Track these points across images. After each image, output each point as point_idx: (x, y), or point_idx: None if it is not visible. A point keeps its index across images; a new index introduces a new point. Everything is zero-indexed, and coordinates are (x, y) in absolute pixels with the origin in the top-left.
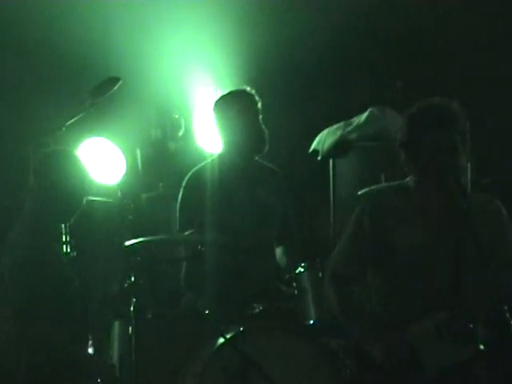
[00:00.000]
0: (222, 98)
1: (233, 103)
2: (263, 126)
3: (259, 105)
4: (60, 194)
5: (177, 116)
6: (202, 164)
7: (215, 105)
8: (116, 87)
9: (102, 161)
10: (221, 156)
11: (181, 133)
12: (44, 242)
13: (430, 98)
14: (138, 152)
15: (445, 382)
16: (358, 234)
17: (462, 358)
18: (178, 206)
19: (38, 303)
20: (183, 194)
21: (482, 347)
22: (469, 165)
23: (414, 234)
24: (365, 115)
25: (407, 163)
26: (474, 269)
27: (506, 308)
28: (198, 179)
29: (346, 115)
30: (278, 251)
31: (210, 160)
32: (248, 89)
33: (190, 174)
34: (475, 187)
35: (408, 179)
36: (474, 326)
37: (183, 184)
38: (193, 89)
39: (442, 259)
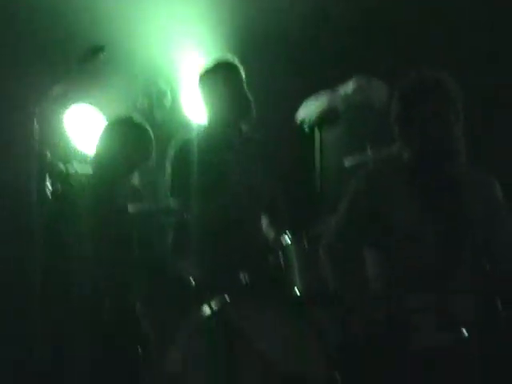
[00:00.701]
0: (206, 70)
1: (217, 74)
2: (249, 95)
3: (243, 74)
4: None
5: (163, 85)
6: (189, 137)
7: (200, 78)
8: (102, 55)
9: (86, 128)
10: (207, 129)
11: (167, 102)
12: None
13: (420, 70)
14: None
15: (426, 362)
16: (354, 212)
17: (445, 342)
18: (167, 177)
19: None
20: (173, 168)
21: (466, 333)
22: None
23: (408, 213)
24: (350, 84)
25: (401, 137)
26: (467, 249)
27: (497, 299)
28: (186, 152)
29: (331, 83)
30: (265, 222)
31: (196, 133)
32: (231, 58)
33: (176, 145)
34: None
35: (397, 148)
36: (463, 311)
37: (171, 155)
38: (180, 58)
39: (435, 238)
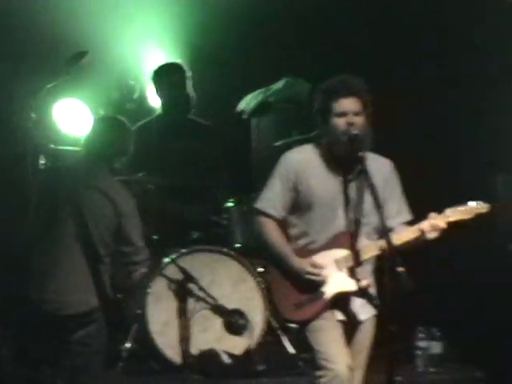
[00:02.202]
0: (156, 71)
1: (164, 76)
2: (191, 93)
3: (187, 75)
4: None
5: (132, 82)
6: (145, 121)
7: (152, 76)
8: (85, 59)
9: (73, 117)
10: (159, 115)
11: (136, 95)
12: None
13: (339, 75)
14: (101, 111)
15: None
16: (280, 185)
17: (354, 289)
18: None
19: None
20: (135, 146)
21: (367, 282)
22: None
23: (324, 187)
24: (281, 83)
25: (321, 126)
26: (370, 216)
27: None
28: (142, 133)
29: (264, 83)
30: (212, 188)
31: (150, 118)
32: (178, 62)
33: (136, 129)
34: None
35: (316, 133)
36: (366, 266)
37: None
38: (147, 61)
39: (345, 207)
